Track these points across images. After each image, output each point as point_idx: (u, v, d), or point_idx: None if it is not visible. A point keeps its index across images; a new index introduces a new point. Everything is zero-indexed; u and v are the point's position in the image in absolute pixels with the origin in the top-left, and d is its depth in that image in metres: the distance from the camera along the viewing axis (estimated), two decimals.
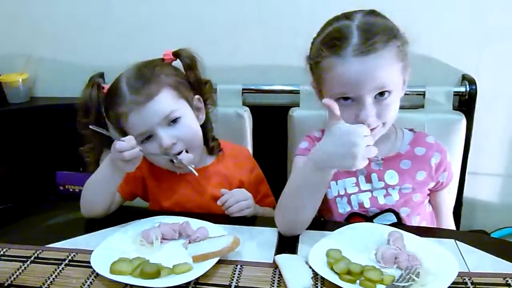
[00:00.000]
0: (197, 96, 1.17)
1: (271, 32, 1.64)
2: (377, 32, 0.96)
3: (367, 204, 1.09)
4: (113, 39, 1.74)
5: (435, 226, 1.17)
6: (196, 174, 1.08)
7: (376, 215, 1.09)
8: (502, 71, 1.56)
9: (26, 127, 1.78)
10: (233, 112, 1.56)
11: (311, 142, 1.15)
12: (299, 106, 1.58)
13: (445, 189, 1.15)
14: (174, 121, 1.07)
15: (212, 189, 1.17)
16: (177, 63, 1.19)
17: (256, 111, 1.59)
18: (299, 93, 1.59)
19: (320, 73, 1.02)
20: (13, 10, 1.78)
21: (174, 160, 1.08)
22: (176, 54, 1.17)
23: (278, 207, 1.00)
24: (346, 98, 0.99)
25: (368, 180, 1.09)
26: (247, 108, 1.57)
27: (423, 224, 1.13)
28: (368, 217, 1.09)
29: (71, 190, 1.83)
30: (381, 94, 0.97)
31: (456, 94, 1.53)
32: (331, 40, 0.98)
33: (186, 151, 1.09)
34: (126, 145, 0.96)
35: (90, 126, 1.05)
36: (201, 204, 1.18)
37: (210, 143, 1.21)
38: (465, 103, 1.53)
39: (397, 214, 1.08)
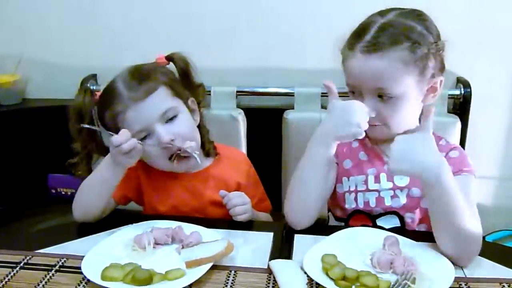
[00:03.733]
0: (191, 98, 1.16)
1: (265, 34, 1.63)
2: (391, 33, 0.96)
3: (372, 204, 1.08)
4: (105, 40, 1.73)
5: None
6: (200, 162, 1.08)
7: (380, 215, 1.07)
8: (496, 73, 1.56)
9: (18, 129, 1.76)
10: (227, 114, 1.55)
11: None
12: (293, 109, 1.57)
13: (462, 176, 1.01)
14: (172, 119, 1.07)
15: (209, 192, 1.16)
16: (171, 67, 1.18)
17: (251, 113, 1.58)
18: (293, 95, 1.58)
19: (342, 63, 1.05)
20: (3, 12, 1.76)
21: (179, 151, 1.07)
22: (169, 58, 1.16)
23: (287, 196, 1.03)
24: (353, 92, 1.03)
25: (377, 180, 1.08)
26: (241, 111, 1.57)
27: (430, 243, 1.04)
28: (371, 216, 1.08)
29: (63, 193, 1.81)
30: (382, 95, 0.98)
31: (451, 97, 1.53)
32: (353, 33, 1.02)
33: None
34: (123, 138, 0.97)
35: (84, 125, 1.06)
36: (198, 207, 1.16)
37: (206, 146, 1.20)
38: (460, 106, 1.53)
39: (401, 218, 1.06)
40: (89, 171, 1.12)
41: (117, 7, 1.69)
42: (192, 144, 1.08)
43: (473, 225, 0.88)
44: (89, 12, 1.71)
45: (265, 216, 1.21)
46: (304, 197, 1.02)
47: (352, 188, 1.10)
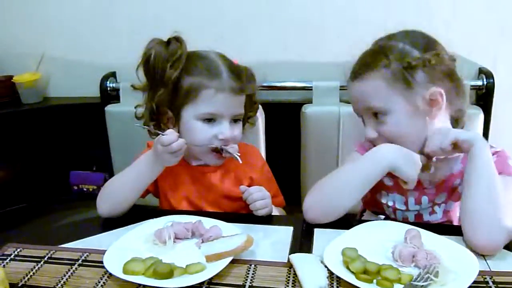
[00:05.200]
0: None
1: (282, 28, 1.62)
2: (370, 56, 1.04)
3: (411, 219, 1.10)
4: (124, 38, 1.74)
5: None
6: (241, 161, 1.09)
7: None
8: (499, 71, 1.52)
9: (40, 127, 1.80)
10: None
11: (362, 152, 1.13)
12: (311, 103, 1.56)
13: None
14: (236, 121, 1.13)
15: (223, 186, 1.17)
16: None
17: (269, 108, 1.57)
18: (311, 89, 1.57)
19: None
20: (25, 11, 1.79)
21: (222, 149, 1.10)
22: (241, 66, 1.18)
23: (313, 194, 1.02)
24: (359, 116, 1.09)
25: (418, 202, 1.08)
26: (260, 105, 1.56)
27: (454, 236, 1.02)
28: None
29: (85, 189, 1.84)
30: (376, 114, 1.02)
31: (473, 88, 1.50)
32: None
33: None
34: (173, 137, 0.99)
35: (136, 125, 1.11)
36: (212, 200, 1.17)
37: None
38: (483, 97, 1.50)
39: None
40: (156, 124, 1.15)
41: (136, 4, 1.70)
42: (235, 146, 1.11)
43: (509, 215, 0.88)
44: (108, 10, 1.73)
45: (279, 212, 1.21)
46: (336, 204, 1.00)
47: (391, 204, 1.11)
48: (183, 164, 1.16)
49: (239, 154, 1.10)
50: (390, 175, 1.03)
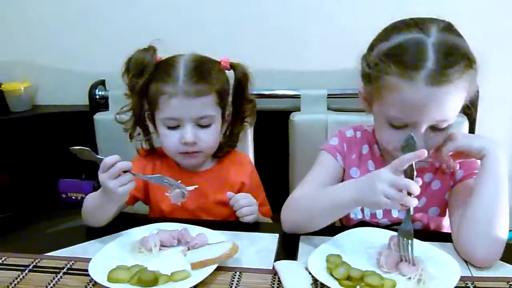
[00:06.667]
0: (230, 110, 1.19)
1: (270, 37, 1.64)
2: (456, 61, 0.86)
3: (379, 215, 1.08)
4: (113, 47, 1.74)
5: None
6: (186, 193, 1.00)
7: (387, 227, 1.05)
8: (504, 73, 1.54)
9: (29, 135, 1.79)
10: None
11: (341, 140, 1.12)
12: (300, 111, 1.57)
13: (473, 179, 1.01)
14: (204, 125, 1.11)
15: (214, 192, 1.18)
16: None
17: (257, 115, 1.57)
18: (300, 97, 1.58)
19: (379, 88, 0.92)
20: (13, 19, 1.79)
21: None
22: (232, 66, 1.19)
23: (293, 207, 1.00)
24: (393, 125, 0.93)
25: None
26: None
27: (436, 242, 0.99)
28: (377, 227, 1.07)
29: (73, 198, 1.83)
30: (436, 126, 0.91)
31: None
32: (401, 56, 0.88)
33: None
34: (111, 159, 0.93)
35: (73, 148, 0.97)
36: (204, 206, 1.18)
37: (221, 152, 1.22)
38: (467, 106, 1.51)
39: None
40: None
41: (126, 13, 1.71)
42: (177, 193, 1.01)
43: (504, 227, 0.90)
44: (98, 18, 1.73)
45: (265, 220, 1.21)
46: (309, 222, 0.98)
47: None
48: (175, 170, 1.18)
49: (180, 195, 1.00)
50: (358, 164, 1.05)
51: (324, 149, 1.12)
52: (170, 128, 1.11)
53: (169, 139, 1.12)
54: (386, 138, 0.97)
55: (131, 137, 1.20)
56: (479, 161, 0.96)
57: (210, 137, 1.13)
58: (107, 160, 0.93)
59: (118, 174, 0.93)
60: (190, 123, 1.09)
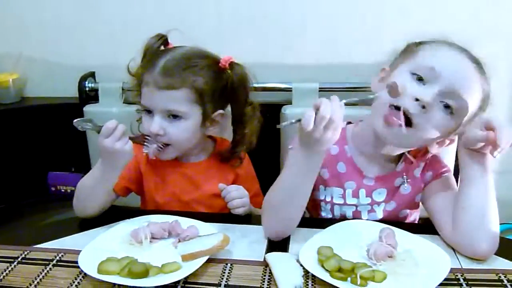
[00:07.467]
0: (220, 111, 1.15)
1: (261, 29, 1.63)
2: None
3: (349, 216, 1.08)
4: (103, 39, 1.72)
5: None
6: (151, 156, 1.09)
7: None
8: (495, 69, 1.55)
9: (17, 128, 1.77)
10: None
11: None
12: (291, 104, 1.57)
13: (444, 178, 1.06)
14: (175, 117, 1.08)
15: (209, 183, 1.17)
16: None
17: None
18: (291, 90, 1.58)
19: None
20: (1, 11, 1.76)
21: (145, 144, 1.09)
22: (231, 66, 1.15)
23: (267, 207, 0.98)
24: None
25: (355, 195, 1.07)
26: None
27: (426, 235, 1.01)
28: None
29: (63, 190, 1.82)
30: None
31: None
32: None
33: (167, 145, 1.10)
34: (111, 124, 0.98)
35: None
36: (199, 198, 1.18)
37: (234, 153, 1.22)
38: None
39: None
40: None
41: (116, 5, 1.69)
42: (153, 151, 1.09)
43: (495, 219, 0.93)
44: (88, 10, 1.71)
45: (259, 212, 1.21)
46: (284, 216, 0.96)
47: (328, 199, 1.09)
48: (170, 160, 1.16)
49: (156, 149, 1.08)
50: (326, 165, 1.05)
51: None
52: (146, 115, 1.11)
53: (143, 125, 1.13)
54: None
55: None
56: (445, 161, 1.03)
57: (180, 133, 1.09)
58: (109, 124, 0.98)
59: (121, 136, 0.98)
60: (159, 114, 1.08)
